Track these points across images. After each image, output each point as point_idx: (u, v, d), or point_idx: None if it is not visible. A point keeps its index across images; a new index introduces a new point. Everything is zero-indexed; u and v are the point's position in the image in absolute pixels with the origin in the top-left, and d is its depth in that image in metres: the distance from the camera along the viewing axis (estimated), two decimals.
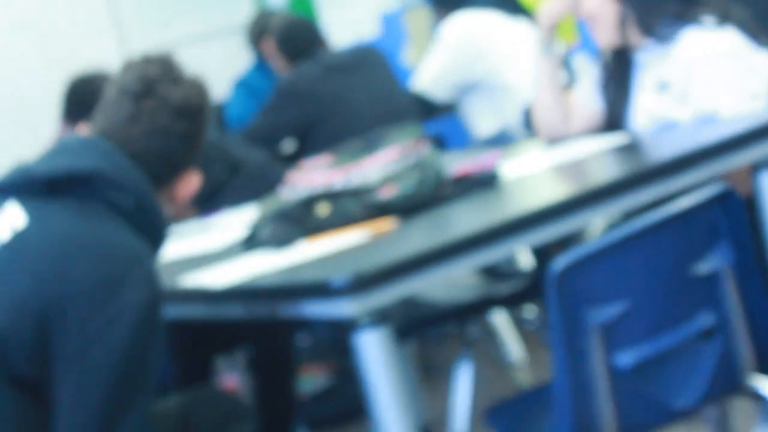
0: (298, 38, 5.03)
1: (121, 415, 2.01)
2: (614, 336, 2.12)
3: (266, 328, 3.43)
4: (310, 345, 4.67)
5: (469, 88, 5.20)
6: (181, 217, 3.45)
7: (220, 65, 7.57)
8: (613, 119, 3.24)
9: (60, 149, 2.23)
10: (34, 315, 2.01)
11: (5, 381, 2.01)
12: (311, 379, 4.51)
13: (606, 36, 3.15)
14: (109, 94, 2.25)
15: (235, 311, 2.43)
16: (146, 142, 2.21)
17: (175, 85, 2.23)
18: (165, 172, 2.24)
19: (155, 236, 2.20)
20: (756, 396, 2.32)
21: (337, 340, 4.91)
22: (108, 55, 6.23)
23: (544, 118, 3.35)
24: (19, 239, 2.09)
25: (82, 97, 4.04)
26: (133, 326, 2.01)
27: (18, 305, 2.02)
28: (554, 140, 3.32)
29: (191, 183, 2.30)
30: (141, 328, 2.03)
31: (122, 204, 2.14)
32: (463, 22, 5.21)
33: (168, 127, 2.22)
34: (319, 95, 4.70)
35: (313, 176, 3.05)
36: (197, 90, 2.27)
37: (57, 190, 2.14)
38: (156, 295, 2.08)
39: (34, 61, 6.84)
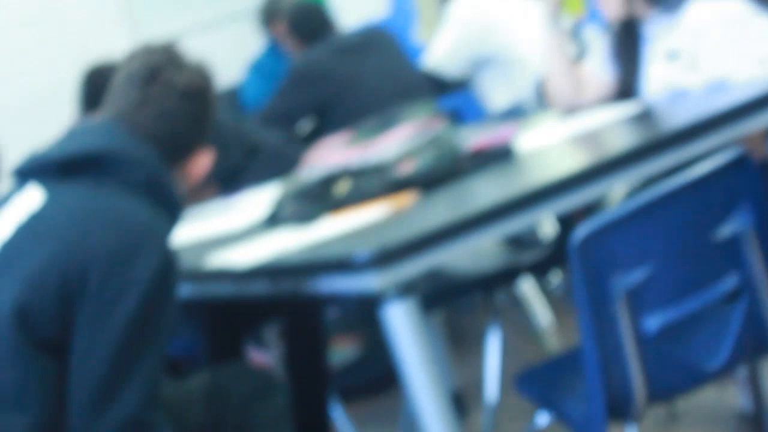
0: (308, 21, 5.05)
1: (129, 368, 2.10)
2: (640, 301, 2.14)
3: (294, 303, 3.45)
4: (338, 317, 4.69)
5: (481, 63, 5.23)
6: (200, 197, 3.49)
7: (232, 51, 7.60)
8: (625, 89, 3.25)
9: (72, 134, 2.33)
10: (54, 285, 2.10)
11: (30, 344, 2.11)
12: (341, 351, 4.53)
13: (613, 8, 3.16)
14: (117, 82, 2.34)
15: (261, 288, 2.46)
16: (155, 125, 2.29)
17: (179, 70, 2.31)
18: (176, 152, 2.33)
19: (170, 209, 2.27)
20: None
21: (365, 312, 4.94)
22: (120, 45, 6.23)
23: (556, 90, 3.37)
24: (37, 217, 2.19)
25: (97, 88, 4.07)
26: (146, 293, 2.10)
27: (39, 278, 2.11)
28: (568, 111, 3.34)
29: (204, 161, 2.37)
30: (153, 294, 2.12)
31: (134, 180, 2.22)
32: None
33: (175, 110, 2.30)
34: (333, 76, 4.71)
35: (332, 155, 3.08)
36: (200, 74, 2.35)
37: (72, 172, 2.22)
38: (169, 263, 2.16)
39: (47, 53, 6.84)
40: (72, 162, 2.22)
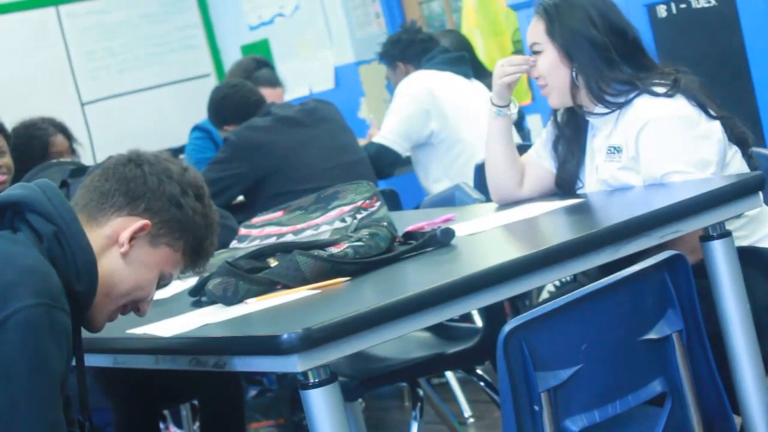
0: (241, 105, 5.03)
1: (9, 416, 2.01)
2: (564, 401, 2.12)
3: (215, 381, 3.40)
4: (258, 400, 4.65)
5: (424, 143, 5.24)
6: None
7: (178, 111, 7.61)
8: (565, 180, 3.25)
9: (10, 187, 2.32)
10: None
11: None
12: None
13: (557, 98, 3.16)
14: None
15: (182, 363, 2.41)
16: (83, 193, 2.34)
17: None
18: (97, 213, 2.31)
19: (75, 268, 2.20)
20: None
21: (287, 395, 4.89)
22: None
23: (495, 179, 3.36)
24: None
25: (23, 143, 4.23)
26: (20, 332, 2.03)
27: None
28: (505, 201, 3.32)
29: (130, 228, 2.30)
30: (29, 335, 2.03)
31: (42, 230, 2.18)
32: (421, 78, 5.26)
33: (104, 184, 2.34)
34: (271, 148, 4.68)
35: (265, 230, 3.04)
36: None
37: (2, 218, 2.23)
38: (51, 306, 2.07)
39: None
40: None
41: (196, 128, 6.10)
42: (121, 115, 8.32)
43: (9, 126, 4.65)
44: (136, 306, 2.33)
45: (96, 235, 2.25)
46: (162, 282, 2.33)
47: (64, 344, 2.10)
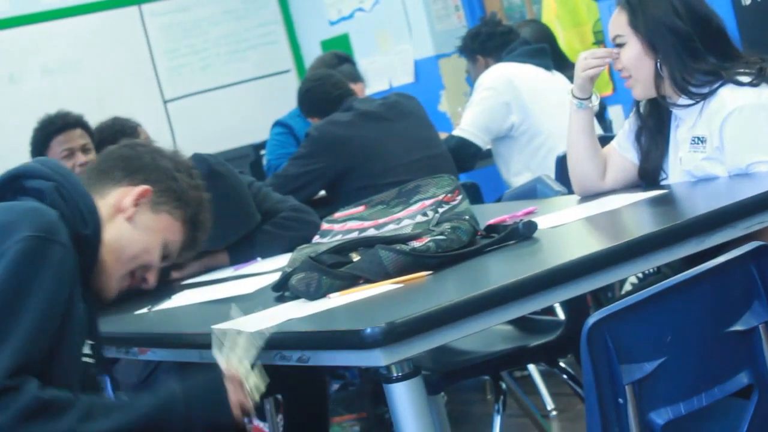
0: (323, 99, 5.05)
1: None
2: (648, 394, 2.10)
3: (299, 376, 3.41)
4: (342, 394, 4.66)
5: (504, 136, 5.22)
6: (211, 263, 3.47)
7: (259, 107, 7.67)
8: (649, 172, 3.22)
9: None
10: None
11: None
12: (343, 429, 4.50)
13: (641, 89, 3.14)
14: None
15: (266, 358, 2.42)
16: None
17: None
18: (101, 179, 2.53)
19: (80, 213, 2.33)
20: None
21: (369, 389, 4.90)
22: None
23: (577, 171, 3.34)
24: None
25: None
26: (16, 259, 2.12)
27: None
28: (587, 193, 3.31)
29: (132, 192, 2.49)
30: (24, 261, 2.12)
31: (43, 187, 2.32)
32: (501, 71, 5.24)
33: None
34: (351, 143, 4.70)
35: (347, 225, 3.05)
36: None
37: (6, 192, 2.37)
38: (46, 239, 2.18)
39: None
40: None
41: (277, 124, 6.13)
42: (203, 112, 8.39)
43: (93, 124, 4.73)
44: (144, 276, 2.48)
45: (100, 205, 2.40)
46: (165, 253, 2.51)
47: (62, 275, 2.18)
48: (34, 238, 2.15)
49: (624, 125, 3.36)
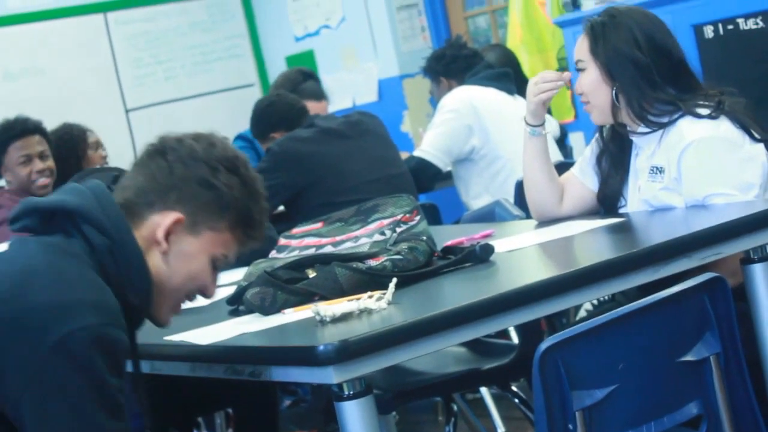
0: (286, 113, 5.09)
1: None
2: (599, 421, 2.11)
3: (250, 390, 3.40)
4: (293, 410, 4.65)
5: (465, 159, 5.23)
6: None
7: (222, 120, 7.64)
8: (608, 196, 3.24)
9: (62, 189, 2.28)
10: None
11: None
12: None
13: (598, 115, 3.16)
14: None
15: (218, 371, 2.41)
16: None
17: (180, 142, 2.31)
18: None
19: (130, 281, 2.18)
20: None
21: (321, 406, 4.88)
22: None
23: (534, 197, 3.36)
24: None
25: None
26: (80, 351, 1.99)
27: None
28: (545, 218, 3.32)
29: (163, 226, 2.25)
30: (88, 354, 2.00)
31: (96, 243, 2.15)
32: (464, 93, 5.25)
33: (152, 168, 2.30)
34: (313, 159, 4.69)
35: (304, 241, 3.05)
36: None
37: (51, 225, 2.19)
38: (108, 325, 2.04)
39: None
40: (48, 214, 2.19)
41: (239, 137, 6.11)
42: (166, 122, 8.35)
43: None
44: (200, 291, 2.29)
45: (137, 237, 2.21)
46: (218, 264, 2.28)
47: (121, 360, 2.08)
48: (98, 326, 2.01)
49: (585, 152, 3.37)
